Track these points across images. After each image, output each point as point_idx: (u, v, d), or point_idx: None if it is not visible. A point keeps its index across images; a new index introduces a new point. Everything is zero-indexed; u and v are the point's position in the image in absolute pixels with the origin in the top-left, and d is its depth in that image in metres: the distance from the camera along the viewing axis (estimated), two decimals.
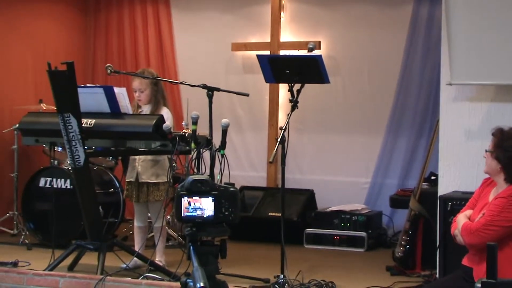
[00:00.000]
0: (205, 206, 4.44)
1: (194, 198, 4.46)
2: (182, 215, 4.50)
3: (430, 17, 10.35)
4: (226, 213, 4.46)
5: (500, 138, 5.94)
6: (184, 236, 4.59)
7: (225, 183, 4.75)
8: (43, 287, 7.50)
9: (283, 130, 7.59)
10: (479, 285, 3.49)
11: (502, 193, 5.88)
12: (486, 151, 6.03)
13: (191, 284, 4.46)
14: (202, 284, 4.35)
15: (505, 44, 7.30)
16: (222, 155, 7.39)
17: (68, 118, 7.63)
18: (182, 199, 4.49)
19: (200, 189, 4.46)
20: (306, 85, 7.78)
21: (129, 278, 7.45)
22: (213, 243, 4.59)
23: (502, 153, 5.89)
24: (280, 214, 7.83)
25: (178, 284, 4.75)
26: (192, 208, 4.45)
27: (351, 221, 10.04)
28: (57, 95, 7.71)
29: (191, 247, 4.49)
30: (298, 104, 7.71)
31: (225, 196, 4.46)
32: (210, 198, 4.45)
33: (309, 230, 10.11)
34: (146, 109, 8.55)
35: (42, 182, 9.76)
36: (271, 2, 11.18)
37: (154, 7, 11.84)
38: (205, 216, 4.44)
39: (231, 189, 4.50)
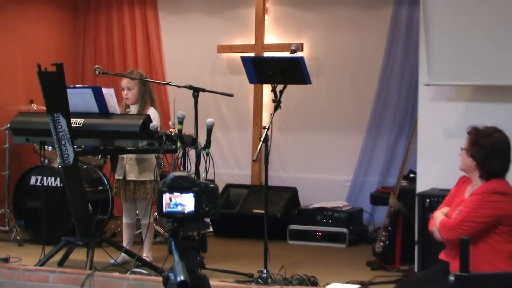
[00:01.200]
0: (186, 202, 4.45)
1: (175, 194, 4.47)
2: (164, 210, 4.52)
3: (409, 19, 10.37)
4: (207, 208, 4.47)
5: (476, 136, 5.97)
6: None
7: (205, 180, 4.78)
8: (34, 282, 7.51)
9: (266, 130, 7.61)
10: (452, 278, 3.51)
11: (477, 190, 5.91)
12: (461, 149, 6.07)
13: (172, 278, 4.49)
14: (182, 278, 4.38)
15: (481, 46, 7.33)
16: (207, 154, 7.42)
17: (57, 118, 7.65)
18: (164, 195, 4.50)
19: (181, 185, 4.47)
20: (289, 86, 7.80)
21: (117, 273, 7.47)
22: (194, 237, 4.61)
23: (477, 151, 5.92)
24: (263, 211, 7.85)
25: None
26: (173, 204, 4.46)
27: (333, 218, 10.06)
28: (47, 96, 7.72)
29: (173, 242, 4.51)
30: (281, 104, 7.72)
31: (205, 192, 4.47)
32: (191, 194, 4.46)
33: (292, 227, 10.13)
34: (133, 109, 8.56)
35: (32, 180, 9.77)
36: (255, 5, 11.19)
37: (142, 9, 11.84)
38: (186, 211, 4.45)
39: (211, 185, 4.51)
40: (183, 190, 4.47)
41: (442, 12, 7.45)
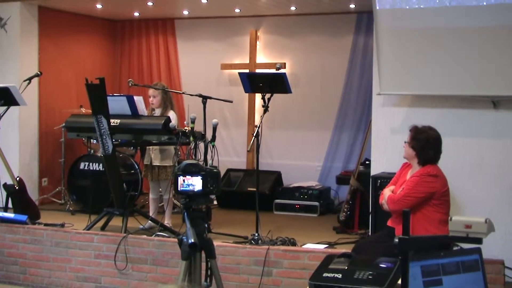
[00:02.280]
0: (195, 182, 4.44)
1: (187, 177, 4.47)
2: (179, 189, 4.52)
3: (365, 45, 10.35)
4: (211, 188, 4.47)
5: (415, 132, 6.00)
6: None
7: (210, 166, 4.78)
8: (83, 242, 7.50)
9: (257, 127, 7.60)
10: (396, 240, 3.51)
11: (416, 173, 5.95)
12: (405, 142, 6.07)
13: (185, 240, 4.49)
14: (192, 240, 4.38)
15: (418, 65, 7.33)
16: (213, 146, 7.40)
17: (100, 119, 7.65)
18: (178, 177, 4.50)
19: (191, 170, 4.47)
20: (275, 94, 7.77)
21: (145, 235, 7.45)
22: (201, 210, 4.61)
23: (416, 143, 5.95)
24: (255, 189, 7.84)
25: None
26: (186, 184, 4.46)
27: (308, 194, 10.04)
28: (92, 102, 7.72)
29: (185, 213, 4.50)
30: (268, 108, 7.70)
31: (210, 175, 4.46)
32: (199, 177, 4.45)
33: (277, 201, 10.10)
34: (157, 112, 8.56)
35: (82, 166, 9.76)
36: (249, 33, 11.17)
37: (164, 37, 11.81)
38: (195, 190, 4.45)
39: (215, 170, 4.51)
40: (193, 173, 4.47)
41: (389, 41, 7.45)
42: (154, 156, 8.49)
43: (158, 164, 8.47)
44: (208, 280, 4.68)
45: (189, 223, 4.43)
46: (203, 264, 4.68)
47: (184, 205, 4.51)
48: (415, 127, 6.05)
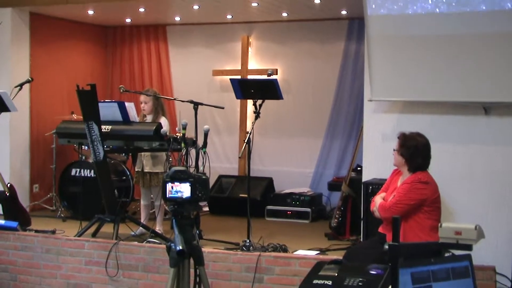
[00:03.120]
0: (184, 189, 4.43)
1: (175, 183, 4.46)
2: (167, 196, 4.51)
3: (357, 52, 10.36)
4: (200, 194, 4.45)
5: (403, 140, 6.01)
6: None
7: (199, 173, 4.78)
8: (73, 248, 7.49)
9: (249, 134, 7.58)
10: (386, 246, 3.51)
11: (406, 180, 5.95)
12: (394, 149, 6.08)
13: (173, 247, 4.48)
14: (180, 247, 4.37)
15: (409, 71, 7.33)
16: (204, 152, 7.38)
17: (91, 125, 7.63)
18: (167, 184, 4.49)
19: (180, 177, 4.45)
20: (266, 101, 7.76)
21: (136, 242, 7.44)
22: (190, 217, 4.59)
23: (405, 151, 5.96)
24: (247, 195, 7.83)
25: None
26: (174, 191, 4.45)
27: (299, 200, 10.04)
28: (83, 108, 7.70)
29: (173, 220, 4.49)
30: (260, 115, 7.69)
31: (199, 182, 4.45)
32: (188, 184, 4.44)
33: (269, 207, 10.10)
34: (149, 118, 8.56)
35: (73, 172, 9.75)
36: (241, 40, 11.17)
37: (156, 43, 11.80)
38: (184, 197, 4.44)
39: (203, 177, 4.50)
40: (181, 180, 4.45)
41: (380, 48, 7.45)
42: (145, 162, 8.48)
43: (149, 170, 8.46)
44: (197, 287, 4.66)
45: (178, 230, 4.42)
46: (192, 272, 4.67)
47: (173, 212, 4.50)
48: (403, 134, 6.05)
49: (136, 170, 8.61)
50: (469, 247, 3.74)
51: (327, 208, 10.38)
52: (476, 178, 7.26)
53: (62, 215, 9.71)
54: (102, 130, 7.78)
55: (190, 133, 7.71)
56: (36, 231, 8.10)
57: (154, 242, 7.46)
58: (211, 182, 10.19)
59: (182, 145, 7.54)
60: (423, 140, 5.97)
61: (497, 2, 6.80)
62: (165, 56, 11.75)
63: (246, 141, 7.56)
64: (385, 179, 6.46)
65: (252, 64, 11.17)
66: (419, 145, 5.93)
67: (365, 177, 7.76)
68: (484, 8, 6.87)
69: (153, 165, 8.47)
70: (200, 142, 7.67)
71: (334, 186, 9.74)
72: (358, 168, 8.77)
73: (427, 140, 5.99)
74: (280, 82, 8.12)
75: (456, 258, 3.80)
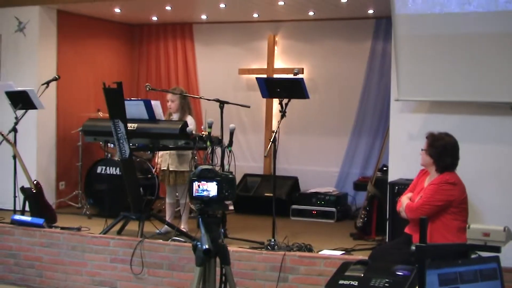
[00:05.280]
0: (210, 188, 4.43)
1: (202, 182, 4.45)
2: (193, 195, 4.51)
3: (384, 51, 10.31)
4: (226, 193, 4.45)
5: (432, 139, 5.97)
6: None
7: (225, 172, 4.77)
8: (99, 246, 7.52)
9: (275, 133, 7.57)
10: (413, 247, 3.48)
11: (434, 181, 5.91)
12: (421, 149, 6.04)
13: (199, 246, 4.47)
14: (207, 246, 4.36)
15: (437, 71, 7.29)
16: (230, 151, 7.38)
17: (117, 123, 7.63)
18: (193, 183, 4.49)
19: (206, 176, 4.45)
20: (292, 100, 7.75)
21: (161, 240, 7.46)
22: (216, 215, 4.59)
23: (433, 151, 5.91)
24: (272, 194, 7.82)
25: None
26: (200, 190, 4.44)
27: (325, 200, 10.01)
28: (109, 106, 7.70)
29: (200, 219, 4.49)
30: (286, 114, 7.67)
31: (225, 181, 4.44)
32: (214, 183, 4.44)
33: (294, 206, 10.08)
34: (175, 117, 8.56)
35: (99, 170, 9.80)
36: (267, 39, 11.16)
37: (182, 41, 11.82)
38: (210, 196, 4.43)
39: (230, 176, 4.49)
40: (208, 179, 4.45)
41: (408, 47, 7.42)
42: (170, 161, 8.49)
43: (175, 169, 8.46)
44: (223, 286, 4.66)
45: (204, 229, 4.42)
46: (218, 270, 4.67)
47: (199, 211, 4.49)
48: (432, 134, 6.01)
49: (161, 168, 8.62)
50: (497, 249, 3.71)
51: (353, 208, 10.34)
52: (504, 179, 7.20)
53: (87, 212, 9.76)
54: (128, 128, 7.79)
55: (216, 132, 7.71)
56: (62, 228, 8.14)
57: (179, 241, 7.47)
58: (237, 180, 10.18)
59: (208, 143, 7.55)
60: (452, 140, 5.93)
61: None
62: (192, 55, 11.77)
63: (272, 140, 7.55)
64: (411, 179, 6.42)
65: (278, 63, 11.15)
66: (448, 145, 5.89)
67: (391, 177, 7.73)
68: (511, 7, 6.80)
69: (179, 163, 8.47)
70: (225, 140, 7.67)
71: (359, 186, 9.72)
72: (384, 168, 8.74)
73: (456, 140, 5.95)
74: (306, 81, 8.10)
75: (484, 259, 3.76)
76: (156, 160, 8.96)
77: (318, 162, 10.96)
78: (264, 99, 10.37)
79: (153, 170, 9.32)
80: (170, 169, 8.48)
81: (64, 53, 10.57)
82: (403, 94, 7.49)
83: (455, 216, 5.77)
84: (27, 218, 8.14)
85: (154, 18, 11.46)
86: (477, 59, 7.06)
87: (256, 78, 8.08)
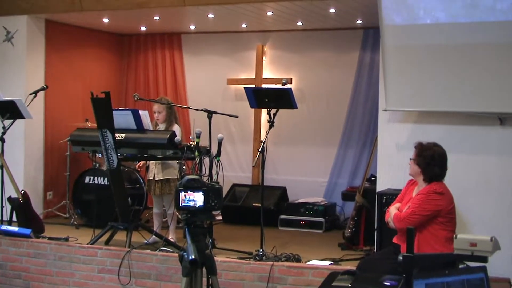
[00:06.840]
0: (197, 198, 4.42)
1: (189, 192, 4.45)
2: (180, 205, 4.50)
3: (372, 61, 10.35)
4: (213, 203, 4.44)
5: (420, 149, 5.98)
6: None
7: (212, 182, 4.77)
8: (86, 256, 7.48)
9: (263, 143, 7.57)
10: (400, 257, 3.48)
11: (422, 191, 5.91)
12: (410, 159, 6.05)
13: (186, 256, 4.46)
14: (193, 257, 4.35)
15: (425, 81, 7.31)
16: (218, 161, 7.37)
17: (105, 133, 7.63)
18: (180, 193, 4.48)
19: (193, 186, 4.44)
20: (281, 110, 7.75)
21: (149, 250, 7.43)
22: (203, 226, 4.57)
23: (421, 161, 5.92)
24: (260, 204, 7.81)
25: None
26: (187, 200, 4.44)
27: (313, 210, 10.01)
28: (97, 116, 7.71)
29: (186, 229, 4.48)
30: (274, 124, 7.67)
31: (212, 191, 4.44)
32: (201, 193, 4.43)
33: (282, 216, 10.06)
34: (162, 127, 8.56)
35: (87, 179, 9.77)
36: (256, 49, 11.17)
37: (171, 51, 11.81)
38: (197, 206, 4.42)
39: (216, 186, 4.49)
40: (195, 189, 4.44)
41: (396, 57, 7.46)
42: (156, 170, 8.48)
43: (161, 178, 8.45)
44: None
45: (190, 239, 4.41)
46: (205, 280, 4.65)
47: (185, 221, 4.48)
48: (420, 143, 6.03)
49: (148, 178, 8.61)
50: (484, 259, 3.71)
51: (341, 218, 10.34)
52: (491, 189, 7.22)
53: (75, 222, 9.71)
54: (116, 138, 7.78)
55: (204, 142, 7.70)
56: (50, 238, 8.11)
57: (167, 251, 7.45)
58: (225, 191, 10.20)
59: (196, 153, 7.54)
60: (440, 150, 5.95)
61: None
62: (180, 65, 11.77)
63: (260, 150, 7.54)
64: (400, 190, 6.43)
65: (267, 73, 11.16)
66: (436, 155, 5.90)
67: (379, 187, 7.74)
68: (501, 18, 6.84)
69: (164, 173, 8.47)
70: (214, 150, 7.66)
71: (348, 196, 9.71)
72: (372, 178, 8.76)
73: (444, 150, 5.96)
74: (295, 91, 8.11)
75: (471, 269, 3.76)
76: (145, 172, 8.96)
77: (306, 172, 10.97)
78: (253, 109, 10.38)
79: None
80: (156, 178, 8.47)
81: (52, 62, 10.55)
82: (391, 104, 7.51)
83: (443, 226, 5.78)
84: (14, 228, 8.09)
85: (143, 28, 11.46)
86: (465, 70, 7.09)
87: (245, 88, 8.08)
